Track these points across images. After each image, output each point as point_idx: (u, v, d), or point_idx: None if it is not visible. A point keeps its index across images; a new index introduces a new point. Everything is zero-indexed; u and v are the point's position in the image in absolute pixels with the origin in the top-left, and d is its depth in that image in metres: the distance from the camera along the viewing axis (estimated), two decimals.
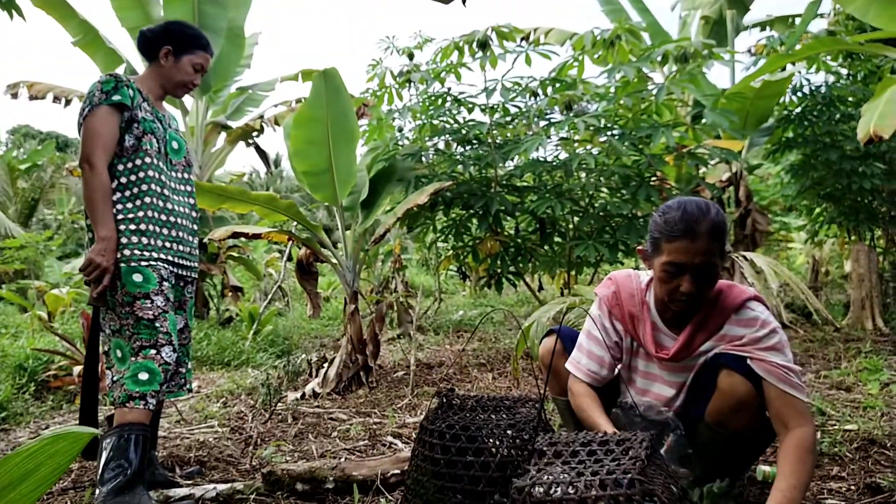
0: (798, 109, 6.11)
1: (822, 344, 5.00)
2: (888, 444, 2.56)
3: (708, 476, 1.83)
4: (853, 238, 6.62)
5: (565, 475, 1.44)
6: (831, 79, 6.15)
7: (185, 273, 2.40)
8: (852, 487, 2.17)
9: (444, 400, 1.88)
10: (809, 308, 4.75)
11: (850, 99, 5.97)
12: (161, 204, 2.27)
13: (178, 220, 2.33)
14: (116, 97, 2.21)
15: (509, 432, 1.71)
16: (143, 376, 2.14)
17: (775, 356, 1.73)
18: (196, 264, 2.48)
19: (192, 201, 2.45)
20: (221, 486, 2.23)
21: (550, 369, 1.94)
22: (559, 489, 1.40)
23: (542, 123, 4.78)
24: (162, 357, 2.18)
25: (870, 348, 4.54)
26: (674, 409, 1.94)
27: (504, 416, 1.81)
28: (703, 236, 1.69)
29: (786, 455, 1.66)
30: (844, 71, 6.35)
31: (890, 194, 6.36)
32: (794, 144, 6.14)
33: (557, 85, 4.65)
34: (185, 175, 2.46)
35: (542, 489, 1.42)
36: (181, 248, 2.34)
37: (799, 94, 6.02)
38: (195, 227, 2.46)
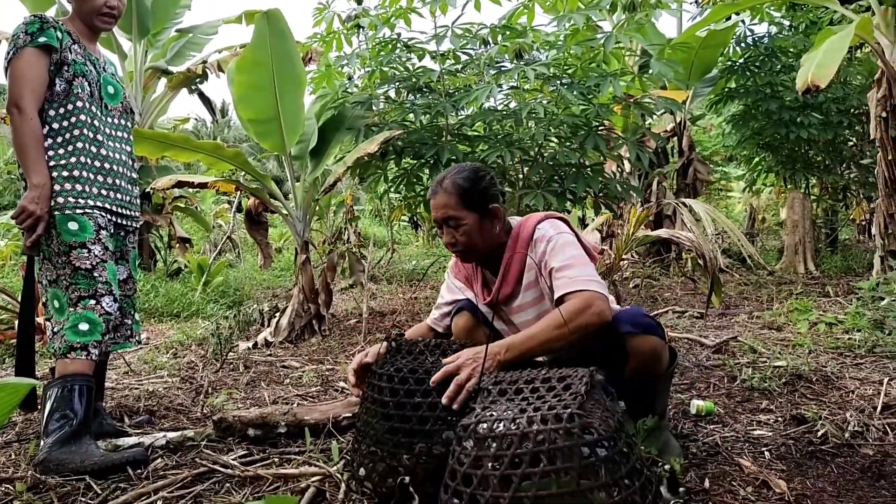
0: (741, 60, 6.23)
1: (755, 287, 5.25)
2: (814, 379, 2.74)
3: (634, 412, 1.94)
4: (789, 186, 6.89)
5: (509, 412, 1.50)
6: (774, 30, 6.27)
7: (124, 222, 2.34)
8: (779, 419, 2.33)
9: (393, 344, 1.91)
10: (744, 254, 4.96)
11: (792, 50, 6.11)
12: (94, 150, 2.19)
13: (114, 168, 2.26)
14: (42, 39, 2.10)
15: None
16: (84, 327, 2.10)
17: (560, 257, 1.87)
18: (137, 214, 2.42)
19: (128, 148, 2.37)
20: (172, 434, 2.24)
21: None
22: (502, 425, 1.46)
23: (493, 72, 4.75)
24: (102, 307, 2.15)
25: (801, 290, 4.79)
26: None
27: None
28: (442, 193, 1.93)
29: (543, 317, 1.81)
30: (787, 22, 6.48)
31: (825, 144, 6.62)
32: (736, 95, 6.29)
33: (507, 32, 4.61)
34: (123, 121, 2.37)
35: (485, 426, 1.48)
36: (118, 195, 2.28)
37: (742, 44, 6.13)
38: (134, 175, 2.39)
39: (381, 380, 1.75)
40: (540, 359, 2.10)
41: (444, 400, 1.64)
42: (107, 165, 2.23)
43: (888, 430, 2.14)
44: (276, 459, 2.08)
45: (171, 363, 3.60)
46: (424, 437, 1.67)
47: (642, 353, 1.86)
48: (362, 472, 1.76)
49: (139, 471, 1.99)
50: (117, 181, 2.27)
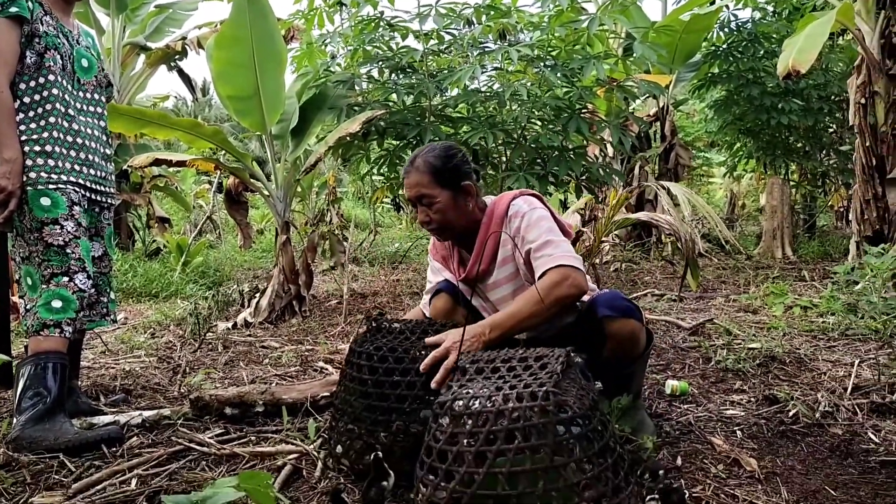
0: (724, 45, 6.25)
1: (733, 271, 5.31)
2: (787, 361, 2.79)
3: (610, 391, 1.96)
4: (769, 172, 6.95)
5: (485, 390, 1.51)
6: (758, 15, 6.29)
7: (99, 198, 2.30)
8: (752, 399, 2.37)
9: (373, 324, 1.91)
10: (722, 239, 5.02)
11: (775, 36, 6.14)
12: (66, 125, 2.15)
13: (87, 143, 2.21)
14: (14, 9, 2.04)
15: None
16: (56, 304, 2.07)
17: (535, 232, 1.89)
18: (112, 190, 2.38)
19: (102, 124, 2.33)
20: (147, 413, 2.23)
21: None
22: (478, 403, 1.47)
23: (476, 53, 4.72)
24: (75, 284, 2.11)
25: (777, 275, 4.86)
26: None
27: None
28: (414, 172, 1.94)
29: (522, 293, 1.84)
30: (771, 8, 6.50)
31: (806, 130, 6.68)
32: (718, 80, 6.31)
33: (492, 13, 4.58)
34: (97, 96, 2.32)
35: (461, 403, 1.49)
36: (92, 171, 2.24)
37: (726, 29, 6.15)
38: (108, 151, 2.34)
39: (359, 358, 1.75)
40: (521, 336, 2.11)
41: (433, 385, 1.65)
42: (79, 140, 2.19)
43: (857, 410, 2.18)
44: (253, 438, 2.07)
45: (148, 343, 3.57)
46: (402, 416, 1.68)
47: (620, 336, 1.88)
48: (339, 449, 1.76)
49: (114, 449, 1.98)
50: (90, 156, 2.23)
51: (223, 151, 4.59)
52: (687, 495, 1.63)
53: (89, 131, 2.24)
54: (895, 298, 3.01)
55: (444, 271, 2.19)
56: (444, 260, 2.19)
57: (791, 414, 2.16)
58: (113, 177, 2.39)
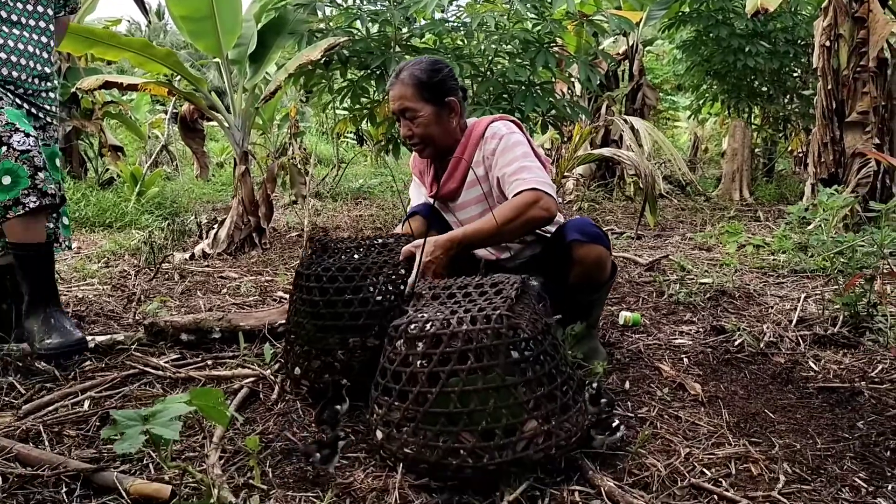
0: None
1: (692, 212, 5.41)
2: (737, 296, 2.88)
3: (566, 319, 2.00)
4: (732, 115, 7.00)
5: (440, 314, 1.52)
6: None
7: (31, 110, 2.15)
8: (700, 330, 2.45)
9: (319, 245, 1.87)
10: (683, 180, 5.08)
11: None
12: None
13: (11, 58, 2.06)
14: None
15: (385, 269, 1.73)
16: (6, 180, 1.93)
17: (510, 156, 1.90)
18: (51, 109, 2.24)
19: (44, 40, 2.18)
20: (100, 338, 2.19)
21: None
22: (433, 325, 1.48)
23: None
24: (13, 149, 1.93)
25: (733, 215, 4.96)
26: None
27: (380, 256, 1.80)
28: (399, 84, 1.92)
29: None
30: None
31: (771, 74, 6.70)
32: (688, 19, 6.25)
33: None
34: (39, 8, 2.17)
35: (416, 326, 1.50)
36: (14, 73, 2.09)
37: None
38: (46, 69, 2.20)
39: (308, 280, 1.72)
40: (491, 253, 2.14)
41: (408, 289, 1.67)
42: (2, 55, 2.05)
43: (800, 341, 2.28)
44: (210, 363, 2.07)
45: (102, 272, 3.49)
46: (358, 332, 1.68)
47: (587, 261, 1.90)
48: (297, 371, 1.77)
49: (65, 372, 1.95)
50: (14, 73, 2.08)
51: (178, 77, 4.39)
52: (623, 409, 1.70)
53: (20, 46, 2.10)
54: (844, 237, 3.11)
55: (422, 187, 2.21)
56: (420, 174, 2.20)
57: (737, 343, 2.24)
58: (52, 96, 2.25)
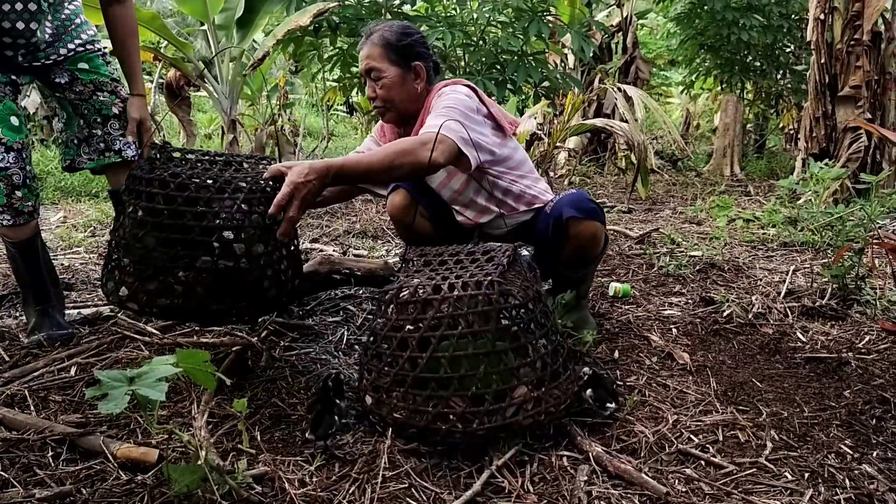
0: None
1: (683, 187, 5.40)
2: (726, 268, 2.88)
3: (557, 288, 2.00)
4: (725, 89, 6.97)
5: (431, 280, 1.51)
6: None
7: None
8: (689, 301, 2.46)
9: (161, 153, 1.56)
10: (676, 154, 5.08)
11: None
12: None
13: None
14: None
15: (243, 185, 1.49)
16: None
17: (437, 106, 1.82)
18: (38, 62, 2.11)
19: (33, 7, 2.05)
20: (86, 311, 2.16)
21: (404, 224, 2.04)
22: (423, 291, 1.47)
23: None
24: None
25: (724, 190, 4.96)
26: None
27: (238, 173, 1.56)
28: (368, 44, 1.91)
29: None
30: None
31: (764, 48, 6.66)
32: None
33: None
34: None
35: (407, 292, 1.48)
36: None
37: None
38: (32, 25, 2.10)
39: (151, 186, 1.46)
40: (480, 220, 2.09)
41: (279, 237, 1.50)
42: None
43: (789, 312, 2.29)
44: (197, 329, 2.05)
45: (88, 241, 3.45)
46: (208, 252, 1.46)
47: (583, 238, 1.89)
48: (125, 291, 1.51)
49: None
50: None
51: (165, 43, 4.30)
52: (620, 384, 1.70)
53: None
54: (834, 210, 3.11)
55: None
56: (383, 140, 2.12)
57: (725, 314, 2.25)
58: (34, 41, 2.01)
